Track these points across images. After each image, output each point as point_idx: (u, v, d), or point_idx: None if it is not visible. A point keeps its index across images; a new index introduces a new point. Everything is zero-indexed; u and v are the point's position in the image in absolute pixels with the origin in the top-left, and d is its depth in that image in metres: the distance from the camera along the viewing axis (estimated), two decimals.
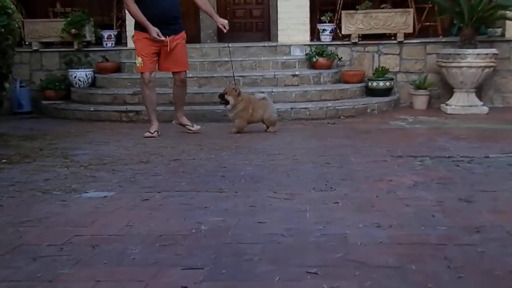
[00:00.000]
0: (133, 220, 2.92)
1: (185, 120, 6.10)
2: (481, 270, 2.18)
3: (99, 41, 8.50)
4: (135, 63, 6.02)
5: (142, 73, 5.86)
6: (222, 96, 5.91)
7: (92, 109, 7.21)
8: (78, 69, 7.94)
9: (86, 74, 7.91)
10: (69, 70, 7.98)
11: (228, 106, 5.87)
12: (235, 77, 7.02)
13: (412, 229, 2.73)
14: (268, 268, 2.21)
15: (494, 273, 2.14)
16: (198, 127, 6.09)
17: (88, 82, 7.95)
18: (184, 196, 3.42)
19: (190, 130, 6.04)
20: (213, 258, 2.35)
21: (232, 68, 6.79)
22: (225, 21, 5.98)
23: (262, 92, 6.46)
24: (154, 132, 5.85)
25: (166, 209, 3.16)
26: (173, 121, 6.23)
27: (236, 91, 5.90)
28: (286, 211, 3.07)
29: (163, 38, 5.68)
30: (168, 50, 5.77)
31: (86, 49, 8.28)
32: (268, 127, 6.03)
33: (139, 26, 5.77)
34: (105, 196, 3.46)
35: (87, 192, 3.56)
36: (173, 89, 6.14)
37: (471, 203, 3.18)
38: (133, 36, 6.10)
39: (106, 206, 3.22)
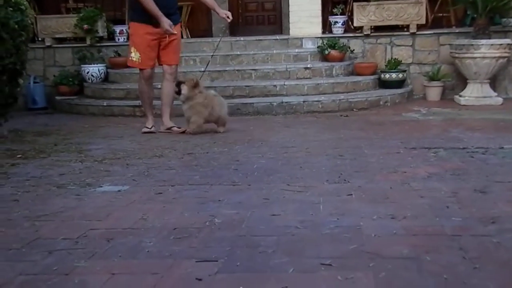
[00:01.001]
0: (147, 214, 2.93)
1: (170, 123, 5.78)
2: (497, 261, 2.16)
3: (111, 36, 8.53)
4: (131, 56, 5.64)
5: (141, 69, 5.66)
6: (178, 84, 5.50)
7: (105, 104, 7.25)
8: (91, 64, 7.98)
9: (99, 69, 7.95)
10: (82, 65, 8.02)
11: (181, 97, 5.47)
12: (247, 70, 7.04)
13: (427, 220, 2.72)
14: (282, 260, 2.21)
15: (510, 263, 2.13)
16: (184, 129, 5.65)
17: (101, 77, 7.99)
18: (198, 190, 3.43)
19: (176, 131, 5.68)
20: (227, 250, 2.36)
21: (208, 63, 6.58)
22: (228, 12, 5.79)
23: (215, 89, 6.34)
24: (152, 127, 5.72)
25: (180, 202, 3.17)
26: (160, 127, 5.79)
27: (193, 81, 5.46)
28: (299, 203, 3.07)
29: (175, 32, 5.61)
30: (167, 41, 5.60)
31: (98, 44, 8.32)
32: (219, 127, 5.67)
33: (137, 17, 5.57)
34: (119, 190, 3.47)
35: (102, 186, 3.58)
36: (164, 85, 5.81)
37: (486, 194, 3.15)
38: (129, 28, 5.91)
39: (120, 200, 3.24)
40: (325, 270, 2.10)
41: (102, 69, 7.99)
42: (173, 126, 5.76)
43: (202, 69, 7.00)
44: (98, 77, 7.95)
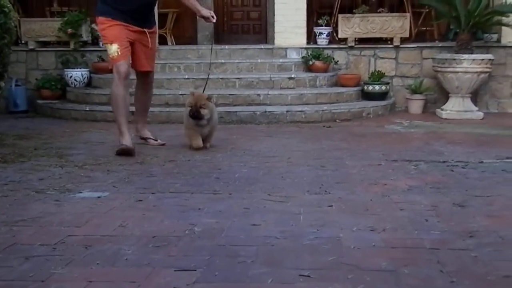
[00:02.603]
0: (126, 221, 2.92)
1: (147, 133, 5.41)
2: (474, 275, 2.18)
3: (95, 41, 8.48)
4: (110, 54, 4.89)
5: (117, 62, 4.80)
6: (198, 111, 4.85)
7: (87, 109, 7.20)
8: (74, 68, 7.93)
9: (82, 74, 7.91)
10: (65, 69, 7.97)
11: (203, 121, 4.93)
12: (231, 79, 7.02)
13: (406, 233, 2.74)
14: (261, 271, 2.21)
15: (487, 278, 2.15)
16: (163, 142, 5.35)
17: (84, 82, 7.94)
18: (179, 198, 3.42)
19: (153, 144, 5.33)
20: (207, 259, 2.35)
21: (210, 69, 6.18)
22: (212, 12, 5.11)
23: None
24: (129, 144, 4.84)
25: (160, 210, 3.15)
26: (132, 135, 5.16)
27: (208, 98, 4.98)
28: (280, 214, 3.07)
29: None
30: (150, 44, 5.06)
31: (82, 49, 8.26)
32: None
33: (107, 11, 4.85)
34: (99, 197, 3.45)
35: (81, 192, 3.55)
36: (138, 93, 5.37)
37: (465, 208, 3.18)
38: (96, 24, 5.37)
39: (100, 207, 3.21)
40: (303, 282, 2.10)
41: (86, 73, 7.95)
42: (150, 138, 5.36)
43: (186, 76, 7.00)
44: (81, 81, 7.90)
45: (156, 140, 5.35)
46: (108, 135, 6.01)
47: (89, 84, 7.99)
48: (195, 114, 4.87)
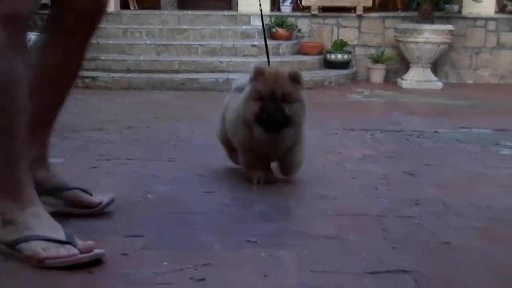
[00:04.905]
0: None
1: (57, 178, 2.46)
2: (416, 241, 2.25)
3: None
4: None
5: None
6: (280, 111, 2.75)
7: None
8: (33, 32, 7.74)
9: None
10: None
11: (288, 131, 2.85)
12: (193, 45, 6.96)
13: (356, 201, 2.80)
14: (209, 237, 2.24)
15: (428, 244, 2.22)
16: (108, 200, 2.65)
17: None
18: (134, 165, 3.42)
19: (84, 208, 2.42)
20: (157, 226, 2.37)
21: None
22: None
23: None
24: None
25: (114, 177, 3.15)
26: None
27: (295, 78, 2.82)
28: (235, 181, 3.09)
29: None
30: None
31: (41, 11, 8.06)
32: None
33: None
34: (53, 163, 3.41)
35: None
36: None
37: (415, 177, 3.26)
38: None
39: None
40: (249, 248, 2.14)
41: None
42: (73, 189, 2.47)
43: (148, 42, 6.91)
44: None
45: (91, 195, 2.45)
46: (70, 100, 5.92)
47: None
48: (275, 118, 2.71)
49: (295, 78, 2.78)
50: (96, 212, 2.42)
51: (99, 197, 2.42)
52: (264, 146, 2.86)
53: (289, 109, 2.75)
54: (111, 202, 2.46)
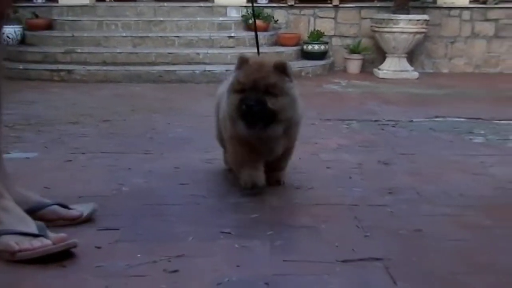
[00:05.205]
0: (53, 182, 2.89)
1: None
2: (388, 229, 2.28)
3: None
4: None
5: None
6: (261, 103, 2.46)
7: (21, 68, 7.00)
8: (6, 25, 7.65)
9: (15, 31, 7.66)
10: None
11: (274, 128, 2.56)
12: (170, 37, 6.93)
13: (330, 190, 2.82)
14: (184, 229, 2.25)
15: (399, 232, 2.25)
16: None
17: (18, 39, 7.69)
18: (109, 158, 3.41)
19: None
20: (131, 219, 2.37)
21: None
22: None
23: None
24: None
25: (89, 170, 3.14)
26: None
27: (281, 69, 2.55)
28: (210, 173, 3.10)
29: None
30: None
31: (14, 4, 7.97)
32: None
33: None
34: (27, 158, 3.40)
35: (10, 153, 3.48)
36: None
37: (389, 166, 3.30)
38: None
39: (27, 167, 3.17)
40: (223, 239, 2.15)
41: (19, 30, 7.70)
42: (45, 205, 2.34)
43: (124, 34, 6.87)
44: (14, 39, 7.66)
45: (69, 208, 2.35)
46: (42, 94, 5.89)
47: (22, 41, 7.74)
48: (255, 111, 2.46)
49: (281, 69, 2.52)
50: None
51: (79, 209, 2.34)
52: (251, 144, 2.61)
53: (273, 103, 2.46)
54: (92, 213, 2.35)
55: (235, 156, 2.73)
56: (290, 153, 2.84)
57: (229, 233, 2.20)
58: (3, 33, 2.20)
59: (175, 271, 1.89)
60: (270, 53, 7.45)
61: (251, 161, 2.66)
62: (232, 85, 2.55)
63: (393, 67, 7.56)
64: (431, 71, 8.23)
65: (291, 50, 7.73)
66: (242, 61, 2.55)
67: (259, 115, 2.46)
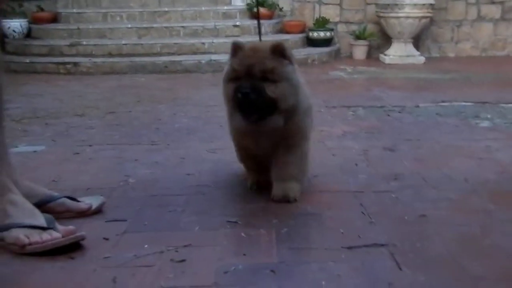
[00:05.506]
0: (61, 174, 2.92)
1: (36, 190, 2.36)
2: (393, 215, 2.29)
3: None
4: None
5: None
6: (258, 90, 2.24)
7: (27, 61, 7.02)
8: (12, 19, 7.68)
9: (21, 25, 7.67)
10: (2, 20, 7.71)
11: (275, 119, 2.31)
12: (175, 28, 6.91)
13: (335, 177, 2.83)
14: (190, 219, 2.27)
15: (404, 218, 2.26)
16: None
17: (23, 33, 7.72)
18: (116, 149, 3.43)
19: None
20: (138, 210, 2.39)
21: None
22: None
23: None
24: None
25: (96, 162, 3.16)
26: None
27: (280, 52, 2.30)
28: (216, 163, 3.12)
29: None
30: None
31: None
32: None
33: None
34: (35, 151, 3.43)
35: (17, 147, 3.52)
36: None
37: (394, 152, 3.30)
38: None
39: (34, 161, 3.21)
40: (230, 228, 2.17)
41: (25, 24, 7.72)
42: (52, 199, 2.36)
43: (129, 26, 6.86)
44: (20, 32, 7.68)
45: (78, 201, 2.36)
46: (49, 87, 5.92)
47: (28, 35, 7.77)
48: (250, 99, 2.23)
49: (279, 51, 2.26)
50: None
51: (87, 201, 2.34)
52: (249, 139, 2.39)
53: (272, 90, 2.22)
54: (100, 206, 2.37)
55: (239, 154, 2.64)
56: (297, 153, 2.43)
57: (236, 222, 2.22)
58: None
59: (182, 260, 1.91)
60: (275, 40, 7.43)
61: (255, 161, 2.52)
62: (227, 74, 2.34)
63: (399, 53, 7.53)
64: (438, 55, 8.19)
65: (296, 37, 7.71)
66: (236, 48, 2.31)
67: (256, 104, 2.21)
